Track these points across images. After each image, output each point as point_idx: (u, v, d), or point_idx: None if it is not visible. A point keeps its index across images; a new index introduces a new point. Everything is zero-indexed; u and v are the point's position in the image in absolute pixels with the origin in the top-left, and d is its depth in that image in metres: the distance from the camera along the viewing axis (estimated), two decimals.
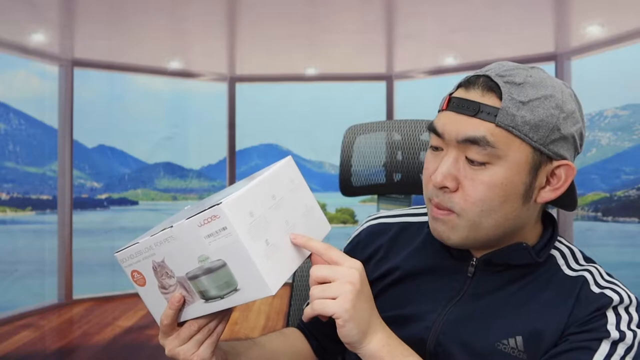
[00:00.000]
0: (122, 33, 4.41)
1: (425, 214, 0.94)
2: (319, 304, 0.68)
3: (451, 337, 0.78)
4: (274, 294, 0.66)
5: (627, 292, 0.76)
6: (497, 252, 0.80)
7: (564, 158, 0.75)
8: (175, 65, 5.26)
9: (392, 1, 3.70)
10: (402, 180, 1.22)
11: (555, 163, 0.75)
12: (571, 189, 0.80)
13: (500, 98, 0.72)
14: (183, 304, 0.71)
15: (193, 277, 0.69)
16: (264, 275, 0.65)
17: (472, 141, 0.72)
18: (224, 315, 0.73)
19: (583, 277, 0.78)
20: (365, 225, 0.99)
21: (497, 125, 0.71)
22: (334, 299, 0.68)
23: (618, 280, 0.79)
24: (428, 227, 0.86)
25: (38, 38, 4.32)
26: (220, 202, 0.64)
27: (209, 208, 0.65)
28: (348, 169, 1.24)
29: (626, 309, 0.75)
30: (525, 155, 0.73)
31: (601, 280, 0.78)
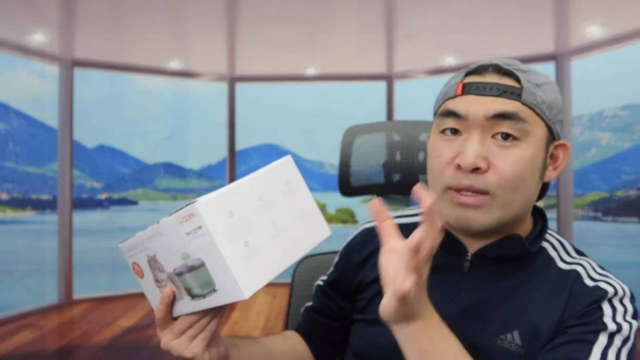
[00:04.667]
0: (122, 33, 4.41)
1: (419, 214, 0.94)
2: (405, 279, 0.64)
3: (452, 333, 0.79)
4: (246, 298, 0.64)
5: (619, 284, 0.78)
6: (491, 245, 0.81)
7: (560, 138, 0.82)
8: (175, 65, 5.26)
9: (392, 1, 3.70)
10: (401, 181, 1.22)
11: (556, 143, 0.81)
12: None
13: (518, 81, 0.77)
14: (174, 299, 0.72)
15: (179, 274, 0.69)
16: (237, 278, 0.64)
17: (505, 116, 0.74)
18: (216, 312, 0.74)
19: (576, 271, 0.79)
20: (360, 229, 0.99)
21: (523, 104, 0.75)
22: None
23: (610, 273, 0.81)
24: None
25: (38, 38, 4.32)
26: (196, 201, 0.63)
27: (186, 206, 0.64)
28: (347, 170, 1.24)
29: (621, 301, 0.76)
30: (544, 132, 0.78)
31: (594, 274, 0.79)
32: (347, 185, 1.25)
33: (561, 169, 0.82)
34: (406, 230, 0.92)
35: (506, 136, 0.75)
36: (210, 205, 0.64)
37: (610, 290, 0.76)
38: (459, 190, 0.76)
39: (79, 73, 4.92)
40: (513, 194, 0.75)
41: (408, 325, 0.68)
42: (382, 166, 1.23)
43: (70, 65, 4.80)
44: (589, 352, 0.71)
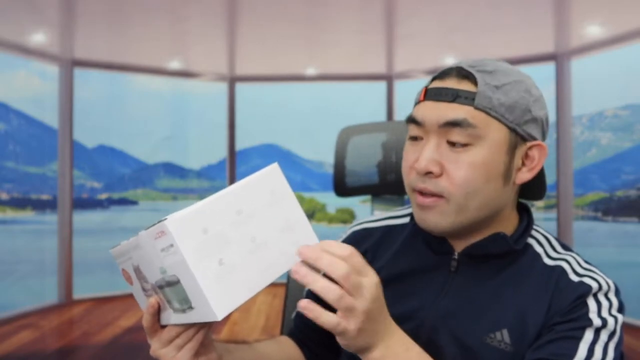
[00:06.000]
0: (122, 33, 4.41)
1: (406, 215, 0.96)
2: (324, 315, 0.63)
3: (443, 333, 0.79)
4: (219, 319, 0.61)
5: (604, 279, 0.78)
6: (477, 244, 0.81)
7: (536, 139, 0.80)
8: (175, 65, 5.27)
9: (392, 1, 3.70)
10: (395, 181, 1.22)
11: (529, 144, 0.80)
12: (541, 176, 0.84)
13: (476, 84, 0.77)
14: (160, 308, 0.71)
15: (159, 287, 0.67)
16: (209, 299, 0.61)
17: (454, 124, 0.75)
18: (203, 323, 0.73)
19: (560, 267, 0.80)
20: (349, 232, 1.00)
21: (476, 108, 0.76)
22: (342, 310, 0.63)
23: (595, 267, 0.81)
24: (411, 225, 0.89)
25: (38, 38, 4.32)
26: (166, 218, 0.61)
27: (158, 222, 0.61)
28: (342, 170, 1.24)
29: (606, 295, 0.77)
30: (503, 136, 0.77)
31: (579, 269, 0.80)
32: (342, 186, 1.25)
33: (537, 170, 0.81)
34: (395, 231, 0.94)
35: (455, 143, 0.76)
36: (182, 223, 0.61)
37: (595, 285, 0.76)
38: (421, 189, 0.79)
39: (79, 73, 4.92)
40: (466, 199, 0.76)
41: (370, 354, 0.68)
42: (376, 166, 1.23)
43: (70, 65, 4.80)
44: (575, 349, 0.72)
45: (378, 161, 1.22)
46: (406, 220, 0.95)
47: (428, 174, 0.77)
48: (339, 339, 0.66)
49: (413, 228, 0.90)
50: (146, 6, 3.67)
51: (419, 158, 0.78)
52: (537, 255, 0.83)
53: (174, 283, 0.64)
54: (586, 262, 0.82)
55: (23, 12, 3.75)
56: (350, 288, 0.62)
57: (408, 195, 0.84)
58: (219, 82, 5.63)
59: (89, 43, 4.62)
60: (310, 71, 5.51)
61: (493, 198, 0.79)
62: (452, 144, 0.76)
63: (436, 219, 0.78)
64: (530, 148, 0.80)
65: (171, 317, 0.69)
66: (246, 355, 0.87)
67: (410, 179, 0.81)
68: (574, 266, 0.80)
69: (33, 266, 6.05)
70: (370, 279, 0.65)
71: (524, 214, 0.87)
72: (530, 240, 0.84)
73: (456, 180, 0.76)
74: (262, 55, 5.00)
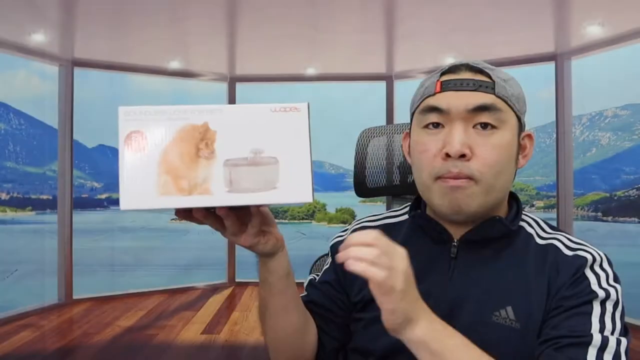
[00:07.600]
0: (122, 33, 4.41)
1: (404, 213, 0.99)
2: (371, 269, 0.66)
3: (453, 317, 0.81)
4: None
5: (596, 251, 0.84)
6: (475, 229, 0.86)
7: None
8: (175, 65, 5.26)
9: (392, 1, 3.70)
10: (414, 182, 1.25)
11: (523, 133, 0.89)
12: None
13: (489, 77, 0.85)
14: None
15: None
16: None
17: (484, 108, 0.82)
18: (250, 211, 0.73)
19: (553, 244, 0.86)
20: (353, 228, 1.01)
21: (497, 96, 0.83)
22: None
23: (585, 242, 0.86)
24: (409, 221, 0.93)
25: (38, 38, 4.32)
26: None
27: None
28: (362, 171, 1.29)
29: (600, 266, 0.82)
30: (515, 122, 0.85)
31: (571, 244, 0.86)
32: (363, 187, 1.29)
33: (529, 157, 0.90)
34: (393, 228, 0.96)
35: (485, 125, 0.82)
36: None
37: (589, 257, 0.82)
38: (455, 175, 0.82)
39: (79, 73, 4.92)
40: (495, 178, 0.82)
41: (414, 330, 0.70)
42: (397, 168, 1.26)
43: (70, 65, 4.80)
44: (589, 323, 0.76)
45: (399, 162, 1.26)
46: (404, 217, 0.98)
47: (461, 157, 0.81)
48: (384, 315, 0.69)
49: (412, 223, 0.94)
50: (146, 6, 3.67)
51: (450, 143, 0.81)
52: (530, 235, 0.88)
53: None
54: (576, 238, 0.87)
55: (23, 12, 3.75)
56: (383, 266, 0.66)
57: (425, 186, 0.86)
58: (219, 82, 5.62)
59: (89, 43, 4.62)
60: (310, 71, 5.51)
61: (510, 178, 0.86)
62: (480, 127, 0.82)
63: (467, 200, 0.82)
64: (523, 138, 0.88)
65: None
66: (289, 289, 0.86)
67: (434, 167, 0.83)
68: (565, 242, 0.86)
69: (33, 266, 6.05)
70: (399, 258, 0.68)
71: (513, 200, 0.93)
72: (522, 223, 0.90)
73: (487, 161, 0.81)
74: (262, 55, 5.00)
